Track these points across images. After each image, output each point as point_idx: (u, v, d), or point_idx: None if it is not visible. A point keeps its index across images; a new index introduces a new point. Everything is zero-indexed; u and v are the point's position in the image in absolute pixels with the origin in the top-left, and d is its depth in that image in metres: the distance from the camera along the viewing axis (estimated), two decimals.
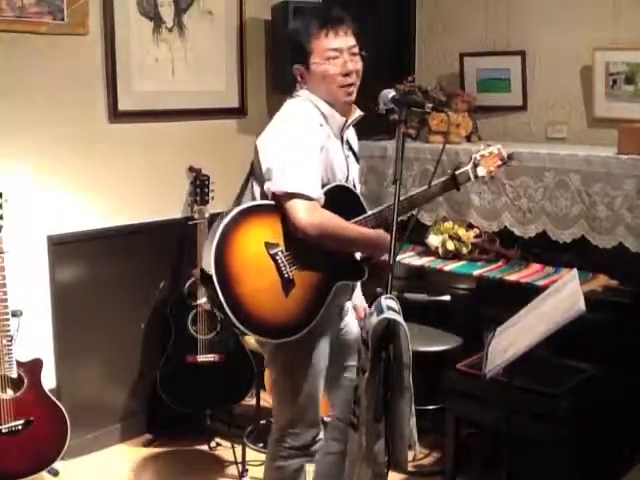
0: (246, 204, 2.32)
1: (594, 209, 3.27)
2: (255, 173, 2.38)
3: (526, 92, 3.82)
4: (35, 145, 3.31)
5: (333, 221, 2.28)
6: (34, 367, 3.10)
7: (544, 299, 2.51)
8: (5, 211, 3.01)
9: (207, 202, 3.67)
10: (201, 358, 3.61)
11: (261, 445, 3.41)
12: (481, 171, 2.52)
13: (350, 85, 2.37)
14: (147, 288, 3.77)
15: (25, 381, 3.06)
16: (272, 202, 2.28)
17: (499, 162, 2.57)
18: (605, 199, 3.23)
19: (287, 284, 2.24)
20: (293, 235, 2.24)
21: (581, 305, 2.21)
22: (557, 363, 2.96)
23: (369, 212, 2.40)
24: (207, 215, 3.62)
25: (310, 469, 2.68)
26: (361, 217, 2.37)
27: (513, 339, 2.42)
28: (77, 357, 3.54)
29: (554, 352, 2.92)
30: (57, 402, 3.15)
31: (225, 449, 3.64)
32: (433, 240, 3.67)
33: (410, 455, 2.13)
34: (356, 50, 2.37)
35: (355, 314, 2.68)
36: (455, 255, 3.61)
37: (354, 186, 2.48)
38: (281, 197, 2.24)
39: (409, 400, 1.97)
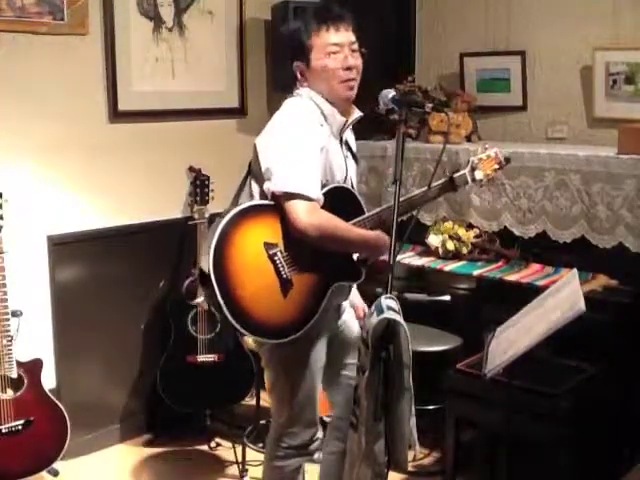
0: (245, 204, 2.31)
1: (594, 209, 3.27)
2: (254, 172, 2.37)
3: (526, 92, 3.83)
4: (35, 145, 3.31)
5: (332, 222, 2.28)
6: (34, 367, 3.10)
7: (544, 299, 2.51)
8: (5, 211, 3.01)
9: (207, 202, 3.67)
10: (201, 358, 3.61)
11: (261, 445, 3.41)
12: (479, 174, 2.53)
13: (351, 80, 2.36)
14: (147, 288, 3.77)
15: (25, 381, 3.06)
16: (271, 202, 2.27)
17: (496, 166, 2.58)
18: (605, 199, 3.23)
19: (285, 285, 2.24)
20: (292, 236, 2.24)
21: (581, 305, 2.21)
22: (557, 363, 2.96)
23: (367, 213, 2.40)
24: (207, 215, 3.62)
25: (309, 469, 2.68)
26: (360, 218, 2.37)
27: (513, 339, 2.42)
28: (77, 357, 3.54)
29: (554, 352, 2.91)
30: (57, 402, 3.15)
31: (225, 449, 3.64)
32: (433, 240, 3.67)
33: (410, 455, 2.13)
34: (356, 47, 2.38)
35: (354, 313, 2.68)
36: (455, 255, 3.61)
37: (352, 186, 2.48)
38: (281, 197, 2.24)
39: (409, 400, 1.97)
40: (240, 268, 2.21)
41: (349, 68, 2.34)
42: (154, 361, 3.67)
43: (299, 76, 2.40)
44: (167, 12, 3.70)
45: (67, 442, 3.14)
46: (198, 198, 3.68)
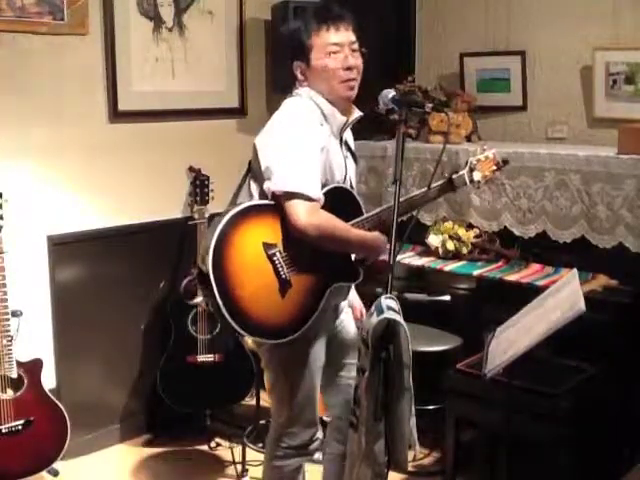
0: (245, 204, 2.31)
1: (594, 209, 3.27)
2: (254, 171, 2.37)
3: (526, 92, 3.83)
4: (35, 145, 3.31)
5: (332, 222, 2.28)
6: (34, 367, 3.10)
7: (544, 299, 2.51)
8: (5, 211, 3.01)
9: (207, 202, 3.68)
10: (201, 358, 3.61)
11: (261, 445, 3.41)
12: (477, 175, 2.53)
13: (351, 80, 2.36)
14: (147, 288, 3.77)
15: (25, 381, 3.06)
16: (271, 202, 2.27)
17: (494, 167, 2.58)
18: (605, 199, 3.23)
19: (284, 285, 2.24)
20: (291, 236, 2.24)
21: (581, 305, 2.21)
22: (557, 363, 2.96)
23: (366, 214, 2.40)
24: (207, 215, 3.62)
25: (309, 469, 2.68)
26: (359, 219, 2.37)
27: (513, 339, 2.42)
28: (77, 357, 3.54)
29: (554, 352, 2.91)
30: (57, 402, 3.15)
31: (225, 449, 3.64)
32: (433, 240, 3.67)
33: (410, 455, 2.13)
34: (356, 46, 2.37)
35: (352, 313, 2.68)
36: (455, 255, 3.61)
37: (351, 187, 2.48)
38: (281, 197, 2.23)
39: (409, 400, 1.97)
40: (239, 268, 2.21)
41: (349, 68, 2.34)
42: (154, 361, 3.67)
43: (299, 76, 2.40)
44: (167, 12, 3.70)
45: (67, 442, 3.14)
46: (198, 198, 3.68)
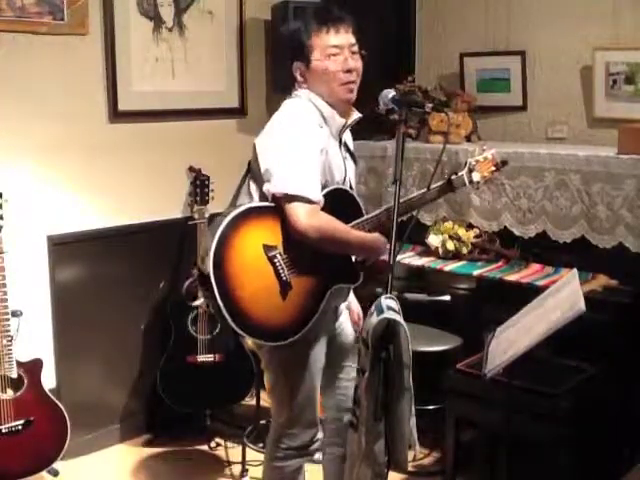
0: (245, 205, 2.31)
1: (594, 209, 3.27)
2: (253, 172, 2.37)
3: (526, 92, 3.83)
4: (35, 145, 3.31)
5: (332, 224, 2.28)
6: (34, 367, 3.10)
7: (544, 299, 2.51)
8: (5, 211, 3.01)
9: (207, 202, 3.68)
10: (201, 358, 3.61)
11: (261, 445, 3.41)
12: (476, 176, 2.53)
13: (351, 83, 2.36)
14: (147, 288, 3.77)
15: (25, 381, 3.06)
16: (271, 204, 2.27)
17: (493, 168, 2.58)
18: (605, 199, 3.23)
19: (284, 287, 2.24)
20: (291, 238, 2.24)
21: (581, 305, 2.21)
22: (557, 363, 2.96)
23: (366, 215, 2.40)
24: (207, 215, 3.62)
25: (309, 469, 2.68)
26: (359, 220, 2.37)
27: (513, 339, 2.42)
28: (77, 357, 3.54)
29: (554, 352, 2.91)
30: (57, 402, 3.15)
31: (225, 449, 3.64)
32: (433, 240, 3.67)
33: (410, 455, 2.13)
34: (356, 49, 2.37)
35: (349, 316, 2.68)
36: (455, 255, 3.61)
37: (351, 188, 2.48)
38: (281, 199, 2.23)
39: (409, 400, 1.97)
40: (240, 270, 2.21)
41: (349, 70, 2.34)
42: (154, 361, 3.67)
43: (298, 77, 2.39)
44: (167, 12, 3.70)
45: (67, 442, 3.14)
46: (198, 198, 3.68)
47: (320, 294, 2.31)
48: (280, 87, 3.72)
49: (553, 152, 3.40)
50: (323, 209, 2.27)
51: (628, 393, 2.96)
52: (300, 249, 2.24)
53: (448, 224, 3.67)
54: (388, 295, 1.94)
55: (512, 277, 3.31)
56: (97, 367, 3.64)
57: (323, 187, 2.32)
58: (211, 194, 3.69)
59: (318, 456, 2.66)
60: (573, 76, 3.65)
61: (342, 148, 2.46)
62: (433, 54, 4.19)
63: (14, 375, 3.03)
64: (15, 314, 3.08)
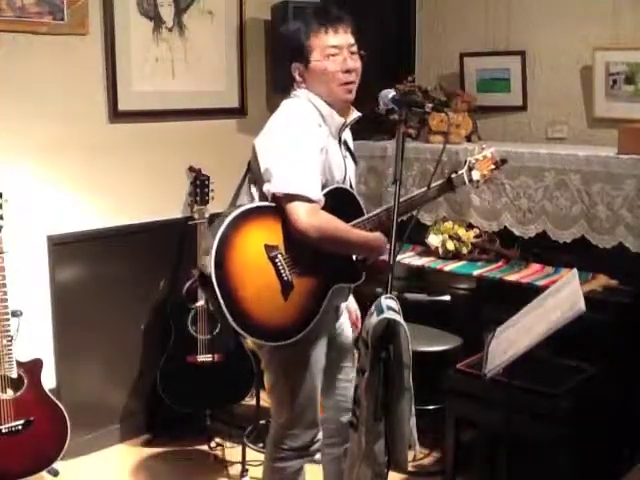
0: (246, 206, 2.31)
1: (594, 209, 3.27)
2: (253, 172, 2.37)
3: (526, 92, 3.83)
4: (35, 145, 3.31)
5: (333, 224, 2.28)
6: (34, 367, 3.10)
7: (544, 299, 2.51)
8: (5, 211, 3.01)
9: (207, 202, 3.67)
10: (201, 358, 3.61)
11: (261, 445, 3.41)
12: (475, 175, 2.53)
13: (350, 83, 2.36)
14: (147, 288, 3.77)
15: (25, 381, 3.06)
16: (272, 204, 2.27)
17: (492, 166, 2.58)
18: (605, 199, 3.23)
19: (286, 286, 2.24)
20: (292, 237, 2.24)
21: (581, 305, 2.21)
22: (557, 363, 2.96)
23: (367, 215, 2.40)
24: (207, 215, 3.62)
25: (309, 469, 2.68)
26: (359, 220, 2.37)
27: (513, 339, 2.42)
28: (77, 357, 3.54)
29: (554, 352, 2.91)
30: (57, 402, 3.15)
31: (225, 449, 3.64)
32: (433, 240, 3.67)
33: (410, 455, 2.13)
34: (355, 49, 2.37)
35: (348, 316, 2.68)
36: (455, 255, 3.61)
37: (351, 187, 2.48)
38: (281, 198, 2.23)
39: (409, 400, 1.97)
40: (241, 270, 2.21)
41: (348, 71, 2.34)
42: (154, 361, 3.67)
43: (297, 77, 2.39)
44: (167, 12, 3.69)
45: (67, 442, 3.14)
46: (198, 198, 3.68)
47: (321, 294, 2.31)
48: (280, 87, 3.72)
49: (553, 152, 3.40)
50: (323, 208, 2.27)
51: (628, 393, 2.96)
52: (301, 249, 2.24)
53: (448, 224, 3.68)
54: (388, 295, 1.94)
55: (512, 277, 3.31)
56: (97, 367, 3.64)
57: (323, 186, 2.32)
58: (211, 194, 3.69)
59: (319, 456, 2.66)
60: (573, 76, 3.65)
61: (342, 147, 2.46)
62: (433, 54, 4.19)
63: (14, 375, 3.03)
64: (15, 314, 3.08)
